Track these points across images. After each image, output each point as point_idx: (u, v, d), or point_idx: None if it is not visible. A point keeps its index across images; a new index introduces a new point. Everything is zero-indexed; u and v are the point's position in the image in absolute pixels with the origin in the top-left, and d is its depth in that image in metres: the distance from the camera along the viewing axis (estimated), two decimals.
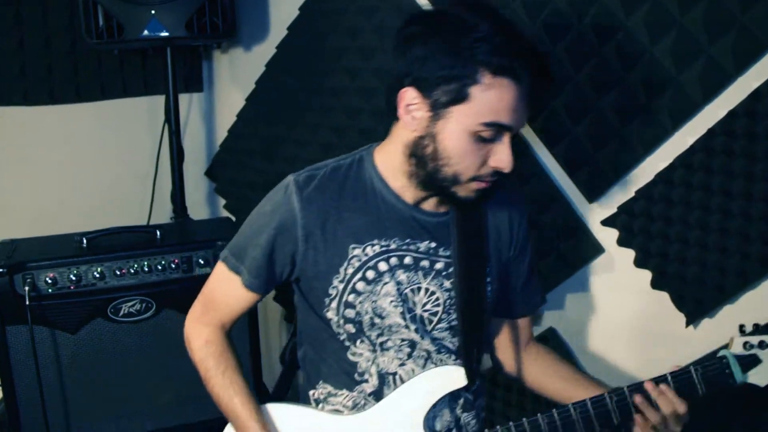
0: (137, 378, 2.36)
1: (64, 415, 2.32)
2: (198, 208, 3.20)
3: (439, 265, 1.59)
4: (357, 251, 1.55)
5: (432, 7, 1.98)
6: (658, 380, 1.48)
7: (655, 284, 1.80)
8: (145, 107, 3.11)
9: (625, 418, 1.48)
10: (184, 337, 1.70)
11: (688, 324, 1.76)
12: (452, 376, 1.56)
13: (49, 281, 2.21)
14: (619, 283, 1.90)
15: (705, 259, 1.69)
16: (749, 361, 1.43)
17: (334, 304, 1.57)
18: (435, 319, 1.60)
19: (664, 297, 1.80)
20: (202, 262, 2.35)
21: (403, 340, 1.59)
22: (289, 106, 2.70)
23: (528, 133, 2.00)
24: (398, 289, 1.56)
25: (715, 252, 1.67)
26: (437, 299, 1.59)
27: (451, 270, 1.59)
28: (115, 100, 3.05)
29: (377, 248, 1.56)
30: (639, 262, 1.82)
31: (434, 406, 1.56)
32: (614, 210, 1.86)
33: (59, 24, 2.84)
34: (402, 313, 1.57)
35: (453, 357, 1.62)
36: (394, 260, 1.56)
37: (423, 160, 1.48)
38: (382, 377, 1.60)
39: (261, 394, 2.43)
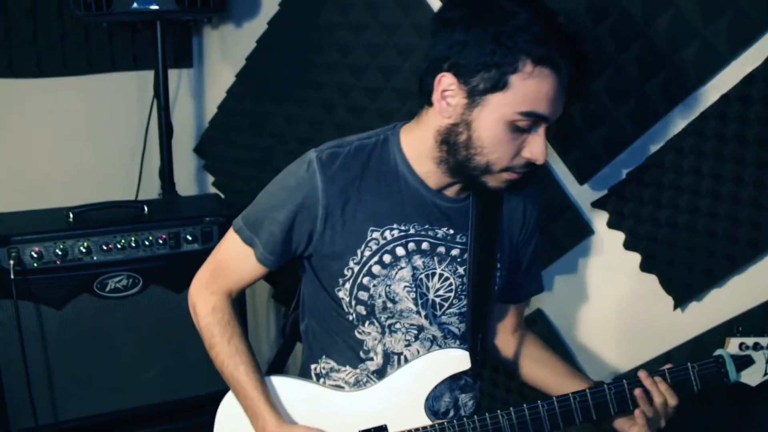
0: (123, 354, 2.35)
1: (49, 391, 2.30)
2: (186, 185, 3.17)
3: (454, 252, 1.58)
4: (376, 234, 1.54)
5: None
6: (655, 374, 1.49)
7: (644, 267, 1.81)
8: (134, 82, 3.07)
9: (622, 409, 1.49)
10: (189, 302, 1.68)
11: (675, 307, 1.77)
12: (457, 360, 1.55)
13: (35, 255, 2.19)
14: (609, 266, 1.91)
15: (694, 243, 1.70)
16: (743, 362, 1.47)
17: (347, 285, 1.56)
18: (446, 305, 1.60)
19: (652, 280, 1.80)
20: (189, 238, 2.34)
21: (411, 324, 1.59)
22: (279, 83, 2.67)
23: None
24: (413, 275, 1.55)
25: (704, 236, 1.68)
26: (450, 285, 1.59)
27: (465, 256, 1.58)
28: (104, 74, 3.01)
29: (396, 233, 1.54)
30: (628, 245, 1.83)
31: (436, 387, 1.56)
32: (605, 192, 1.85)
33: None
34: (414, 299, 1.56)
35: (458, 342, 1.63)
36: (411, 245, 1.55)
37: (455, 148, 1.46)
38: (387, 356, 1.60)
39: None
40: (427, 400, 1.55)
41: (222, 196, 3.02)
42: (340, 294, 1.57)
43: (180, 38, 3.10)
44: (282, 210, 1.54)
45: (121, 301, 2.31)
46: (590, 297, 1.97)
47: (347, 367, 1.63)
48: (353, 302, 1.57)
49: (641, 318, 1.86)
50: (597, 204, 1.88)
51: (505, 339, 1.80)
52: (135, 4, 2.54)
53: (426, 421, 1.53)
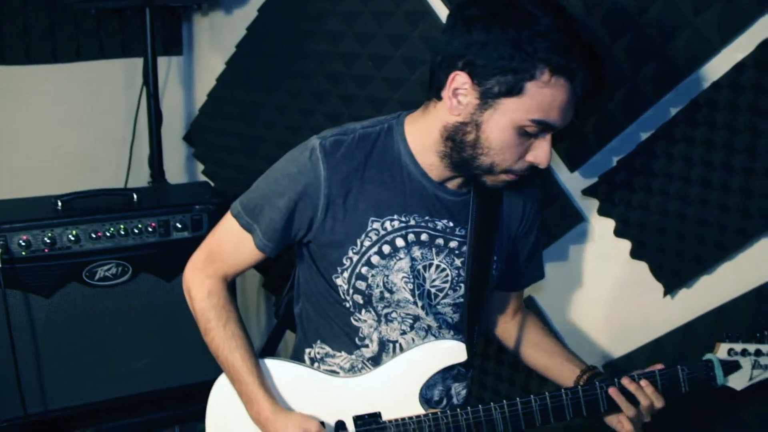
0: (113, 343, 2.34)
1: (38, 380, 2.29)
2: (176, 174, 3.16)
3: (453, 244, 1.58)
4: (376, 225, 1.54)
5: None
6: (645, 375, 1.51)
7: (635, 254, 1.81)
8: (123, 70, 3.04)
9: (612, 407, 1.51)
10: (184, 286, 1.67)
11: (665, 294, 1.78)
12: (453, 351, 1.56)
13: (23, 244, 2.18)
14: (599, 253, 1.91)
15: (684, 230, 1.70)
16: (731, 367, 1.50)
17: (346, 274, 1.56)
18: (441, 295, 1.60)
19: (642, 267, 1.80)
20: (179, 225, 2.33)
21: (407, 314, 1.59)
22: (269, 71, 2.66)
23: None
24: (412, 266, 1.55)
25: (694, 223, 1.68)
26: (446, 276, 1.59)
27: (463, 249, 1.59)
28: (92, 62, 2.99)
29: (396, 224, 1.54)
30: (619, 232, 1.83)
31: (431, 377, 1.57)
32: (596, 180, 1.85)
33: None
34: (412, 290, 1.56)
35: (452, 332, 1.63)
36: (411, 237, 1.55)
37: (462, 146, 1.46)
38: (383, 344, 1.60)
39: None
40: (422, 388, 1.55)
41: (212, 184, 3.00)
42: (338, 281, 1.57)
43: (169, 25, 3.08)
44: (283, 197, 1.53)
45: (110, 289, 2.30)
46: (581, 284, 1.97)
47: (342, 353, 1.63)
48: (351, 290, 1.57)
49: (631, 305, 1.87)
50: (588, 191, 1.88)
51: (506, 324, 1.81)
52: None
53: (420, 410, 1.54)
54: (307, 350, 1.68)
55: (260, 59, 2.71)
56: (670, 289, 1.77)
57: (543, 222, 1.96)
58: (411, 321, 1.60)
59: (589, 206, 1.89)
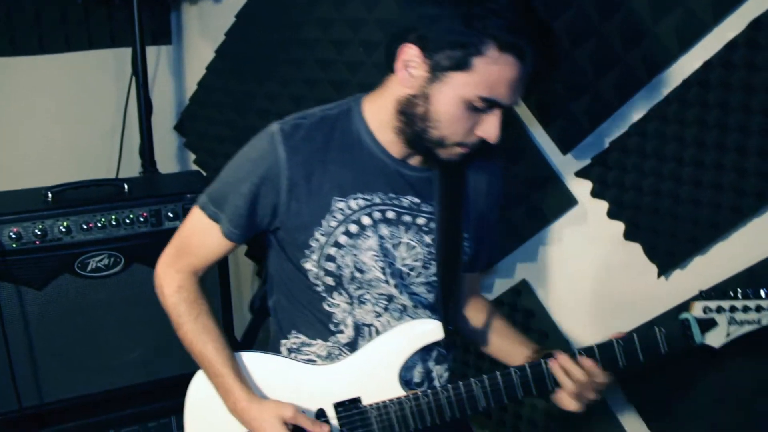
0: (106, 334, 2.33)
1: (33, 373, 2.28)
2: (167, 163, 3.15)
3: (420, 221, 1.58)
4: (340, 204, 1.54)
5: None
6: (623, 339, 1.51)
7: (628, 236, 1.81)
8: (112, 60, 3.03)
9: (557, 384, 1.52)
10: (155, 282, 1.67)
11: (659, 275, 1.77)
12: (429, 330, 1.56)
13: (13, 236, 2.16)
14: (592, 235, 1.90)
15: (677, 211, 1.70)
16: (707, 325, 1.51)
17: (314, 256, 1.55)
18: (413, 274, 1.59)
19: (636, 248, 1.80)
20: (171, 215, 2.31)
21: (380, 294, 1.58)
22: (260, 59, 2.64)
23: None
24: (380, 244, 1.55)
25: (688, 203, 1.68)
26: (417, 254, 1.59)
27: (432, 226, 1.59)
28: (81, 52, 2.97)
29: (361, 202, 1.54)
30: (612, 214, 1.82)
31: (409, 358, 1.56)
32: (588, 161, 1.85)
33: None
34: (382, 269, 1.56)
35: (427, 311, 1.63)
36: (377, 214, 1.55)
37: (412, 119, 1.47)
38: (358, 328, 1.59)
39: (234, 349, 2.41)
40: (400, 370, 1.55)
41: (204, 173, 2.99)
42: (307, 266, 1.57)
43: (158, 15, 3.06)
44: (245, 182, 1.54)
45: (103, 280, 2.29)
46: (575, 267, 1.97)
47: (318, 341, 1.62)
48: (321, 273, 1.56)
49: (625, 287, 1.87)
50: (580, 173, 1.87)
51: (466, 309, 1.81)
52: None
53: (400, 392, 1.54)
54: (283, 341, 1.67)
55: (250, 47, 2.69)
56: (664, 270, 1.76)
57: (536, 205, 1.97)
58: (385, 302, 1.59)
59: (582, 188, 1.89)
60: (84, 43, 2.96)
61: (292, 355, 1.65)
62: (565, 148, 1.90)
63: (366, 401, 1.54)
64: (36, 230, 2.18)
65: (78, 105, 3.00)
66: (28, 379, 2.27)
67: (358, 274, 1.56)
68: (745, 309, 1.49)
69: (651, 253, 1.78)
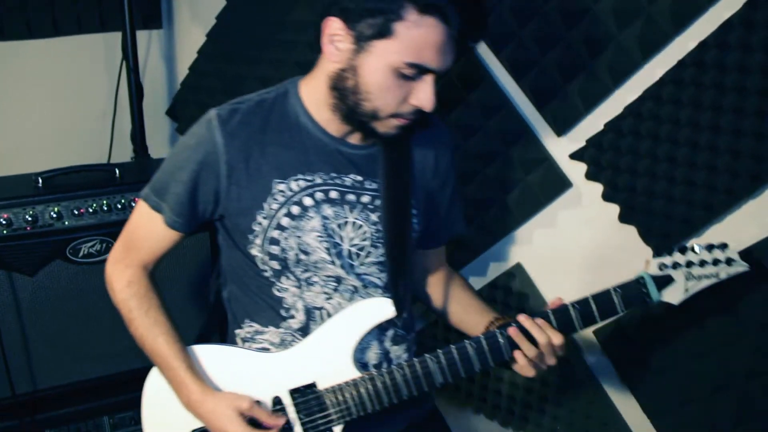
0: (100, 320, 2.32)
1: (26, 360, 2.28)
2: (160, 149, 3.12)
3: (365, 199, 1.57)
4: (281, 186, 1.53)
5: None
6: (579, 303, 1.50)
7: (623, 218, 1.80)
8: (102, 44, 3.00)
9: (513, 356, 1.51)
10: (106, 279, 1.66)
11: (654, 257, 1.76)
12: (379, 308, 1.55)
13: (4, 222, 2.15)
14: (587, 218, 1.90)
15: (672, 193, 1.69)
16: (664, 281, 1.49)
17: (258, 241, 1.54)
18: (362, 254, 1.58)
19: (631, 231, 1.79)
20: None
21: (328, 276, 1.57)
22: (251, 42, 2.62)
23: (494, 63, 1.97)
24: (324, 224, 1.54)
25: (683, 185, 1.67)
26: (364, 233, 1.57)
27: (377, 203, 1.57)
28: (70, 37, 2.94)
29: (302, 183, 1.53)
30: (607, 196, 1.81)
31: (362, 339, 1.55)
32: (583, 143, 1.84)
33: None
34: (327, 249, 1.55)
35: (381, 292, 1.61)
36: (319, 195, 1.54)
37: (344, 94, 1.45)
38: (309, 312, 1.58)
39: None
40: (354, 352, 1.54)
41: None
42: (253, 251, 1.56)
43: None
44: (184, 170, 1.53)
45: (95, 266, 2.28)
46: (569, 250, 1.96)
47: (270, 328, 1.61)
48: (266, 257, 1.55)
49: (621, 269, 1.83)
50: (575, 156, 1.86)
51: (429, 283, 1.81)
52: None
53: (355, 374, 1.53)
54: (237, 331, 1.66)
55: (241, 31, 2.67)
56: (660, 252, 1.75)
57: (530, 188, 1.96)
58: (334, 284, 1.58)
59: (577, 171, 1.88)
60: (73, 28, 2.93)
61: (246, 344, 1.64)
62: (559, 130, 1.88)
63: (321, 386, 1.53)
64: (27, 216, 2.17)
65: (68, 90, 2.98)
66: (21, 365, 2.27)
67: (303, 256, 1.54)
68: (702, 263, 1.48)
69: (646, 236, 1.77)
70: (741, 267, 1.49)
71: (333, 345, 1.54)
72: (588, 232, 1.91)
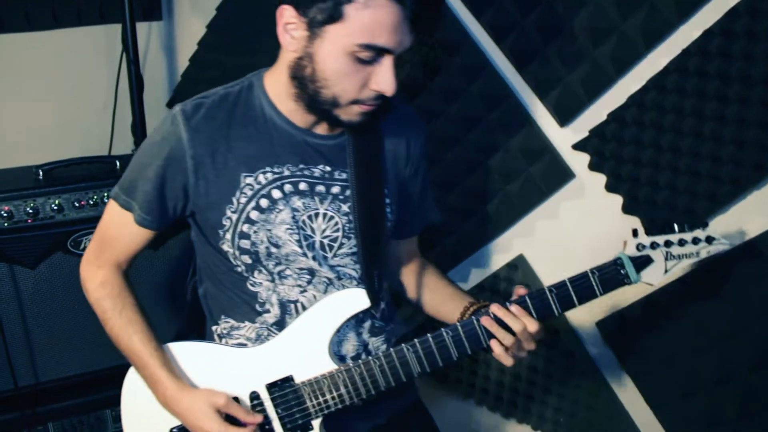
0: None
1: (28, 352, 2.28)
2: None
3: (335, 189, 1.56)
4: (249, 180, 1.52)
5: None
6: (557, 286, 1.48)
7: (627, 209, 1.79)
8: (102, 36, 2.99)
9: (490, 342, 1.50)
10: (81, 281, 1.66)
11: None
12: (354, 299, 1.53)
13: (5, 215, 2.15)
14: (590, 209, 1.88)
15: (676, 183, 1.68)
16: (642, 262, 1.48)
17: (228, 236, 1.53)
18: (335, 245, 1.57)
19: (635, 222, 1.78)
20: None
21: (301, 269, 1.56)
22: (252, 33, 2.61)
23: (496, 53, 1.96)
24: (294, 217, 1.53)
25: (687, 176, 1.66)
26: (336, 224, 1.56)
27: (348, 194, 1.56)
28: (70, 29, 2.93)
29: (270, 176, 1.52)
30: (610, 187, 1.80)
31: (338, 330, 1.55)
32: (586, 134, 1.82)
33: None
34: (298, 241, 1.54)
35: (356, 283, 1.60)
36: (288, 187, 1.53)
37: (303, 82, 1.44)
38: (284, 306, 1.57)
39: None
40: (331, 344, 1.53)
41: None
42: (224, 247, 1.55)
43: None
44: (151, 167, 1.52)
45: None
46: (572, 242, 1.95)
47: (246, 323, 1.60)
48: (237, 252, 1.54)
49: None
50: (578, 146, 1.85)
51: (403, 273, 1.80)
52: None
53: (332, 366, 1.52)
54: (214, 328, 1.66)
55: (242, 21, 2.65)
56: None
57: (533, 179, 1.95)
58: (307, 276, 1.56)
59: (580, 161, 1.86)
60: (73, 20, 2.92)
61: (223, 340, 1.63)
62: (562, 121, 1.87)
63: (298, 379, 1.53)
64: (27, 209, 2.17)
65: (68, 82, 2.97)
66: (23, 358, 2.27)
67: (274, 249, 1.53)
68: (682, 242, 1.46)
69: (650, 227, 1.75)
70: (722, 246, 1.48)
71: (309, 338, 1.53)
72: (591, 224, 1.90)
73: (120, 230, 1.60)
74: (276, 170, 1.52)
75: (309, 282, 1.57)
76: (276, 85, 1.52)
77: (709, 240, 1.47)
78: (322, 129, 1.55)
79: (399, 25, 1.36)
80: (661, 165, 1.69)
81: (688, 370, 1.75)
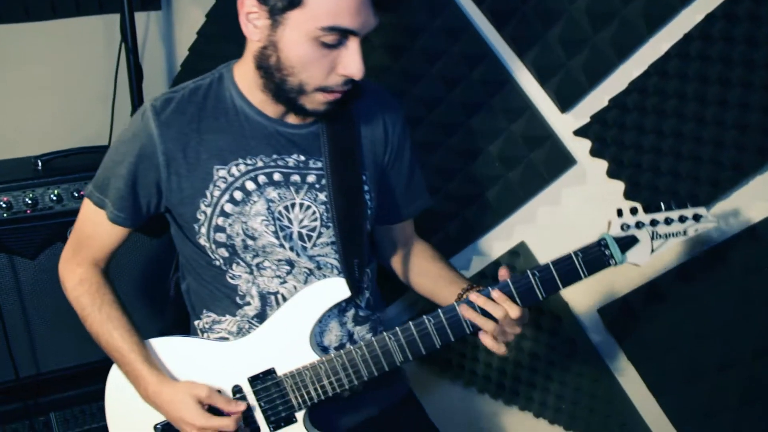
0: None
1: (29, 343, 2.28)
2: None
3: (311, 178, 1.55)
4: (222, 172, 1.51)
5: None
6: (539, 269, 1.46)
7: (629, 195, 1.78)
8: (101, 26, 2.98)
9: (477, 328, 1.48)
10: (60, 281, 1.66)
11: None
12: (334, 289, 1.52)
13: (4, 205, 2.15)
14: (592, 195, 1.87)
15: (678, 169, 1.67)
16: (627, 242, 1.45)
17: (203, 230, 1.52)
18: (314, 235, 1.56)
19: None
20: None
21: (279, 260, 1.55)
22: None
23: (496, 39, 1.94)
24: (269, 208, 1.52)
25: (689, 161, 1.65)
26: (314, 213, 1.55)
27: (324, 182, 1.55)
28: (68, 19, 2.92)
29: (243, 167, 1.51)
30: (612, 173, 1.79)
31: (320, 321, 1.54)
32: (587, 120, 1.81)
33: None
34: (275, 233, 1.52)
35: (337, 273, 1.59)
36: (262, 178, 1.52)
37: (269, 71, 1.43)
38: (264, 298, 1.57)
39: None
40: (313, 335, 1.52)
41: None
42: (201, 241, 1.54)
43: None
44: (122, 164, 1.52)
45: None
46: (574, 228, 1.93)
47: (227, 316, 1.60)
48: (213, 246, 1.53)
49: None
50: (579, 132, 1.83)
51: (399, 257, 1.79)
52: None
53: (314, 357, 1.51)
54: (196, 322, 1.65)
55: None
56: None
57: (534, 166, 1.93)
58: (286, 267, 1.55)
59: (581, 148, 1.85)
60: (71, 10, 2.91)
61: (205, 335, 1.63)
62: (563, 107, 1.86)
63: (280, 371, 1.52)
64: (26, 199, 2.17)
65: (67, 73, 2.96)
66: (23, 349, 2.27)
67: (250, 242, 1.52)
68: (668, 221, 1.44)
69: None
70: (710, 223, 1.46)
71: (290, 329, 1.52)
72: (593, 210, 1.89)
73: (95, 228, 1.60)
74: (249, 161, 1.51)
75: (288, 273, 1.56)
76: (245, 76, 1.52)
77: (696, 218, 1.45)
78: (294, 118, 1.54)
79: (362, 5, 1.35)
80: (663, 150, 1.68)
81: (690, 357, 1.75)
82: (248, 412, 1.52)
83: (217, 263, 1.56)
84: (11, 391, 2.27)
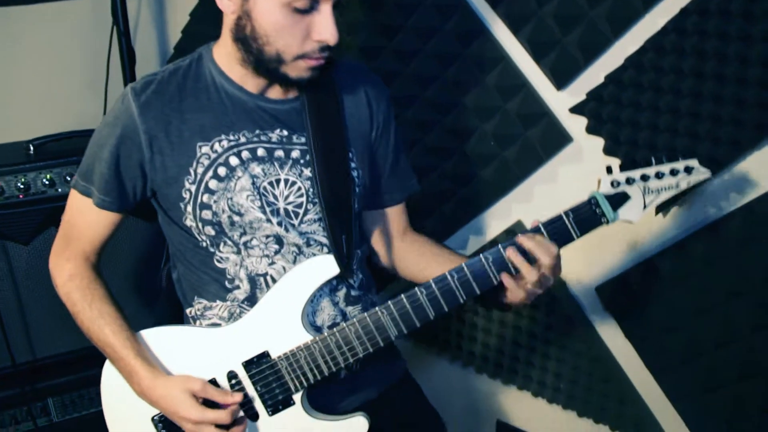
0: None
1: (24, 329, 2.27)
2: None
3: (295, 154, 1.54)
4: (205, 149, 1.50)
5: None
6: (531, 231, 1.44)
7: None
8: (91, 8, 2.94)
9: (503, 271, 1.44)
10: (50, 274, 1.65)
11: (657, 212, 1.74)
12: (323, 266, 1.50)
13: None
14: (589, 173, 1.85)
15: (675, 145, 1.65)
16: (618, 199, 1.43)
17: (189, 208, 1.52)
18: (301, 211, 1.55)
19: None
20: None
21: (267, 236, 1.54)
22: None
23: (490, 15, 1.92)
24: (254, 183, 1.51)
25: (685, 137, 1.63)
26: (299, 189, 1.54)
27: (308, 158, 1.54)
28: (58, 2, 2.88)
29: (225, 143, 1.51)
30: (608, 150, 1.78)
31: (312, 300, 1.53)
32: (583, 97, 1.79)
33: None
34: (261, 207, 1.52)
35: (326, 250, 1.57)
36: (245, 154, 1.51)
37: (246, 43, 1.44)
38: (253, 280, 1.55)
39: None
40: (305, 315, 1.51)
41: None
42: (187, 222, 1.53)
43: None
44: (105, 147, 1.52)
45: None
46: (571, 206, 1.93)
47: (217, 302, 1.59)
48: (200, 224, 1.52)
49: (624, 225, 1.82)
50: (575, 110, 1.82)
51: (395, 247, 1.76)
52: None
53: (307, 337, 1.50)
54: (188, 310, 1.64)
55: None
56: (663, 206, 1.73)
57: (530, 144, 1.92)
58: (275, 246, 1.54)
59: (577, 125, 1.84)
60: None
61: (197, 322, 1.62)
62: (558, 84, 1.84)
63: (274, 354, 1.50)
64: (19, 184, 2.15)
65: (59, 56, 2.93)
66: (19, 335, 2.26)
67: (236, 218, 1.51)
68: (659, 175, 1.42)
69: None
70: (702, 174, 1.44)
71: (281, 310, 1.51)
72: (589, 188, 1.87)
73: (83, 218, 1.59)
74: (232, 137, 1.51)
75: (277, 252, 1.54)
76: (224, 53, 1.52)
77: (688, 170, 1.43)
78: (275, 93, 1.54)
79: None
80: (660, 127, 1.67)
81: (688, 335, 1.74)
82: (245, 398, 1.51)
83: (204, 244, 1.55)
84: (8, 378, 2.26)
